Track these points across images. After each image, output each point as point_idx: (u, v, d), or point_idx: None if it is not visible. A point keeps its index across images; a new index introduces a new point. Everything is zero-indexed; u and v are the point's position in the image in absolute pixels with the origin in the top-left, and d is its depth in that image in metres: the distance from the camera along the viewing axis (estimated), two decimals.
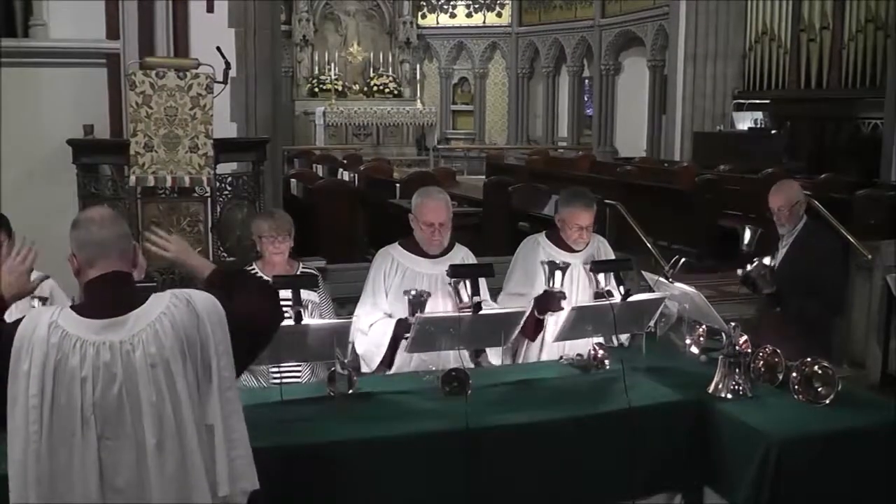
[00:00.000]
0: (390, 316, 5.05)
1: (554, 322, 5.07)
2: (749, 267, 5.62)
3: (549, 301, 5.03)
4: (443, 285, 4.95)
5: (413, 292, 4.73)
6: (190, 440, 2.89)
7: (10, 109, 8.42)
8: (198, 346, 2.93)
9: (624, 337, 5.23)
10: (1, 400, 2.81)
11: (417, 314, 4.55)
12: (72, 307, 2.93)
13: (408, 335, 4.67)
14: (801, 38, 18.00)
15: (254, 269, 5.23)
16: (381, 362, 5.05)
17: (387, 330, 5.00)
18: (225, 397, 2.97)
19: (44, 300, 4.77)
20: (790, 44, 18.24)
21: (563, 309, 4.99)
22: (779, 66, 18.54)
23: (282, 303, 4.23)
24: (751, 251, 5.77)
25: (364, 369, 5.07)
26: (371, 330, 5.04)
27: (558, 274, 4.99)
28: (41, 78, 8.76)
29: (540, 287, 5.13)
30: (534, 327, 5.17)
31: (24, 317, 2.91)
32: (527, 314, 4.98)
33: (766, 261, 5.59)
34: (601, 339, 5.01)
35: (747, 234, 5.83)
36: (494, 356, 5.17)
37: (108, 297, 2.95)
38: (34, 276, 3.30)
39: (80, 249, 3.00)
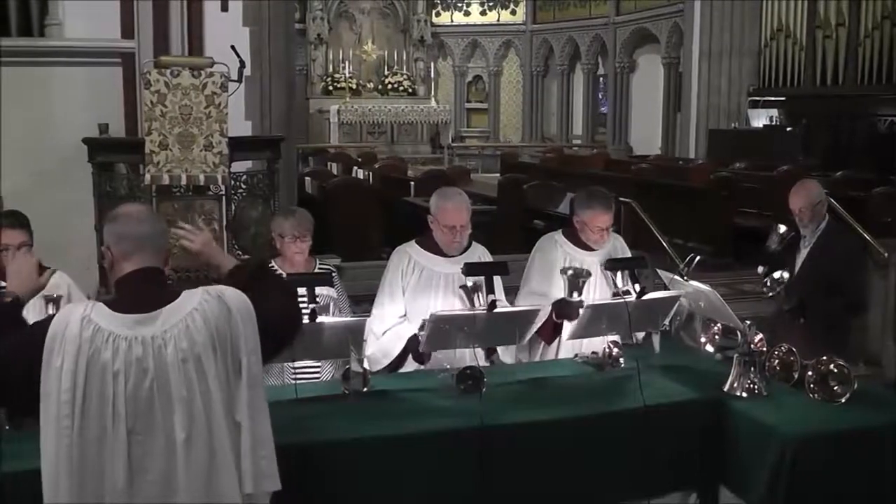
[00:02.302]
0: (404, 317, 5.05)
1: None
2: (766, 282, 5.60)
3: (566, 310, 5.01)
4: (460, 284, 4.94)
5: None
6: (219, 436, 2.90)
7: (26, 108, 8.48)
8: (228, 341, 2.95)
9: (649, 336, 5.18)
10: (32, 397, 2.81)
11: (431, 313, 4.54)
12: (104, 302, 2.94)
13: (421, 333, 4.68)
14: (816, 35, 17.93)
15: (272, 266, 5.23)
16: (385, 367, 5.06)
17: (397, 340, 5.01)
18: (253, 394, 2.98)
19: (58, 298, 4.78)
20: (806, 41, 18.17)
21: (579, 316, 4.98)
22: (794, 63, 18.47)
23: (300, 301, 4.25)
24: (776, 251, 5.72)
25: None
26: (384, 336, 5.05)
27: (579, 284, 4.97)
28: (57, 77, 8.81)
29: (559, 285, 5.13)
30: (551, 331, 5.15)
31: (54, 314, 2.92)
32: (545, 317, 4.97)
33: (778, 275, 5.56)
34: (618, 338, 4.99)
35: (779, 232, 5.76)
36: (507, 355, 5.15)
37: (140, 292, 2.97)
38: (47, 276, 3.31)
39: (117, 243, 3.02)
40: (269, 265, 5.20)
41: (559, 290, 5.13)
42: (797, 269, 5.81)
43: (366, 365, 4.76)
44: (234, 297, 3.02)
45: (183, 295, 2.97)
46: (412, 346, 4.91)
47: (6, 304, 3.15)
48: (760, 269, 5.76)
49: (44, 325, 2.88)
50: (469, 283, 4.78)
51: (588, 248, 5.26)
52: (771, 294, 5.63)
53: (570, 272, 4.98)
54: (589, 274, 5.00)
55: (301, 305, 4.25)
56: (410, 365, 5.05)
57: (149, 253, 3.02)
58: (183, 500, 2.86)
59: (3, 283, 4.60)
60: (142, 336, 2.86)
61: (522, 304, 5.13)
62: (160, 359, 2.85)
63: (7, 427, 3.80)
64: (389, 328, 5.06)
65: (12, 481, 3.39)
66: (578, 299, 4.93)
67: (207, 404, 2.89)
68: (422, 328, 4.67)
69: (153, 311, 2.91)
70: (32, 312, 4.74)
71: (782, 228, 5.76)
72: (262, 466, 2.99)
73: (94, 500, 2.81)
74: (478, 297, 4.78)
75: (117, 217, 3.10)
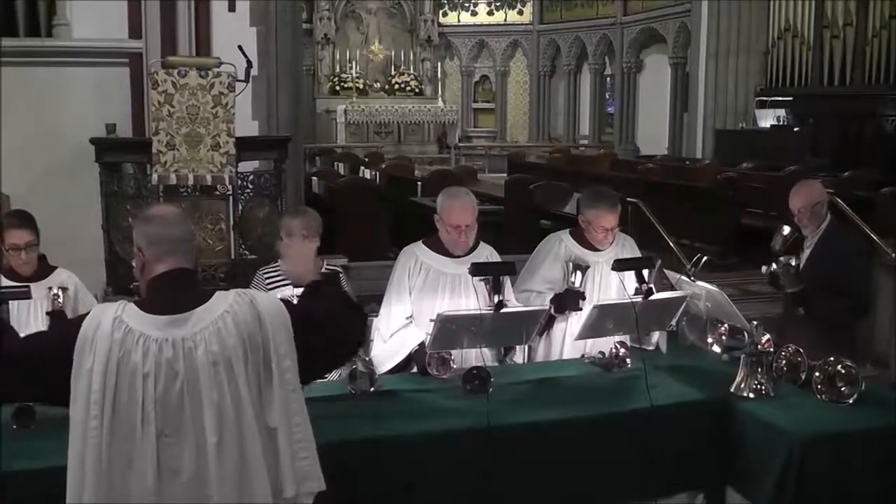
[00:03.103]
0: (411, 317, 5.05)
1: (577, 320, 5.05)
2: (774, 265, 5.57)
3: (568, 300, 5.01)
4: (466, 284, 4.93)
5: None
6: (251, 440, 2.87)
7: (33, 108, 8.50)
8: (260, 346, 2.92)
9: (655, 338, 5.17)
10: (63, 395, 2.81)
11: (438, 313, 4.53)
12: (136, 303, 2.93)
13: (429, 334, 4.68)
14: (824, 35, 17.91)
15: (279, 266, 5.23)
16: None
17: (402, 348, 5.02)
18: (289, 398, 2.96)
19: (65, 290, 4.81)
20: (813, 40, 18.15)
21: (581, 309, 4.98)
22: (802, 63, 18.45)
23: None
24: (780, 252, 5.69)
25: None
26: (391, 339, 5.05)
27: (579, 274, 4.98)
28: (64, 77, 8.82)
29: (560, 286, 5.13)
30: (545, 323, 5.15)
31: (87, 314, 2.91)
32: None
33: (792, 260, 5.54)
34: (627, 340, 4.99)
35: (783, 233, 5.73)
36: (517, 355, 5.15)
37: (173, 293, 2.95)
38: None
39: (151, 245, 2.99)
40: (275, 265, 5.23)
41: (557, 289, 5.15)
42: (800, 269, 5.71)
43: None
44: (266, 301, 3.01)
45: (215, 297, 2.96)
46: (418, 360, 4.91)
47: None
48: (764, 268, 5.74)
49: (75, 323, 2.88)
50: (496, 300, 4.71)
51: (593, 249, 5.25)
52: (782, 270, 5.59)
53: (572, 263, 4.99)
54: (587, 267, 5.00)
55: None
56: None
57: (182, 255, 3.01)
58: (215, 502, 2.85)
59: (17, 284, 4.65)
60: (172, 338, 2.84)
61: (520, 300, 5.13)
62: (190, 361, 2.84)
63: (14, 426, 3.81)
64: (396, 331, 5.05)
65: (20, 480, 3.40)
66: (579, 289, 4.94)
67: (238, 408, 2.86)
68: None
69: (185, 313, 2.89)
70: (39, 305, 4.79)
71: (787, 230, 5.73)
72: (303, 468, 2.98)
73: (120, 501, 2.80)
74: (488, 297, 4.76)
75: (151, 219, 3.08)
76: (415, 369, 4.98)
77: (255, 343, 2.92)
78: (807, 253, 5.72)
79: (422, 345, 4.88)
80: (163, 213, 3.13)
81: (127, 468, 2.80)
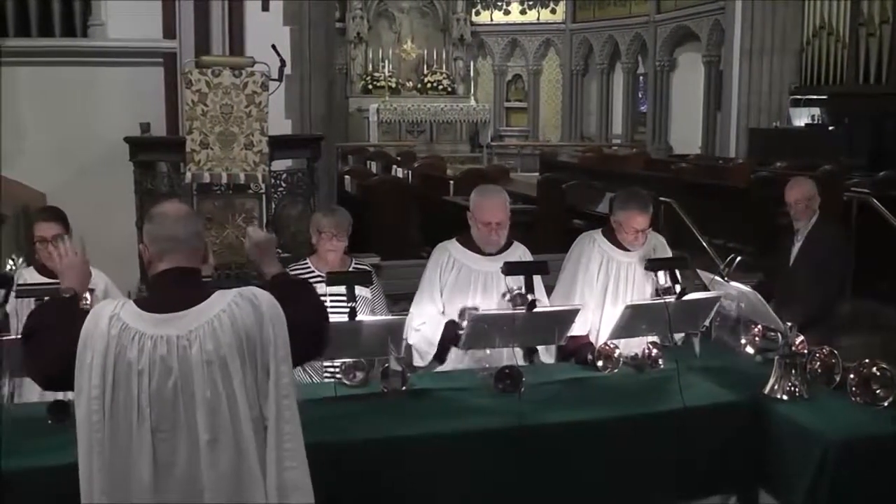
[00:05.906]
0: (443, 313, 5.05)
1: (609, 321, 5.04)
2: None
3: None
4: (498, 282, 4.93)
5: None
6: (245, 439, 2.87)
7: (69, 108, 8.59)
8: (258, 346, 2.91)
9: (678, 336, 5.16)
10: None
11: (471, 312, 4.54)
12: (135, 301, 2.96)
13: (460, 331, 4.69)
14: (859, 33, 17.72)
15: (307, 263, 5.24)
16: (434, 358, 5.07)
17: (437, 327, 5.02)
18: (282, 404, 2.94)
19: (91, 291, 4.80)
20: (848, 38, 17.96)
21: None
22: (837, 60, 18.26)
23: (333, 300, 4.25)
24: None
25: (417, 362, 5.07)
26: (423, 326, 5.05)
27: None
28: (99, 77, 8.92)
29: (591, 283, 5.15)
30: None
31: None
32: (586, 316, 4.95)
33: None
34: (656, 338, 4.97)
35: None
36: (547, 355, 5.13)
37: (171, 291, 2.97)
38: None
39: (152, 242, 3.03)
40: (304, 263, 5.24)
41: (591, 288, 5.16)
42: (791, 261, 6.21)
43: (416, 360, 4.80)
44: (268, 301, 2.98)
45: (213, 296, 2.95)
46: (449, 333, 4.92)
47: (65, 299, 3.18)
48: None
49: (83, 321, 2.90)
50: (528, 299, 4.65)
51: (625, 248, 5.23)
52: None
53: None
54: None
55: (339, 304, 4.27)
56: (450, 363, 5.07)
57: (182, 253, 3.02)
58: (208, 500, 2.86)
59: (49, 280, 4.67)
60: (167, 335, 2.86)
61: (556, 302, 5.12)
62: (184, 359, 2.85)
63: (49, 421, 3.85)
64: (427, 320, 5.07)
65: (52, 475, 3.43)
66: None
67: (233, 407, 2.86)
68: (461, 315, 4.76)
69: (181, 311, 2.90)
70: None
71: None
72: (290, 477, 2.95)
73: (124, 497, 2.83)
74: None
75: (154, 216, 3.10)
76: (449, 364, 5.00)
77: (253, 343, 2.90)
78: (797, 245, 6.20)
79: (449, 324, 4.92)
80: (166, 210, 3.13)
81: (126, 462, 2.83)
